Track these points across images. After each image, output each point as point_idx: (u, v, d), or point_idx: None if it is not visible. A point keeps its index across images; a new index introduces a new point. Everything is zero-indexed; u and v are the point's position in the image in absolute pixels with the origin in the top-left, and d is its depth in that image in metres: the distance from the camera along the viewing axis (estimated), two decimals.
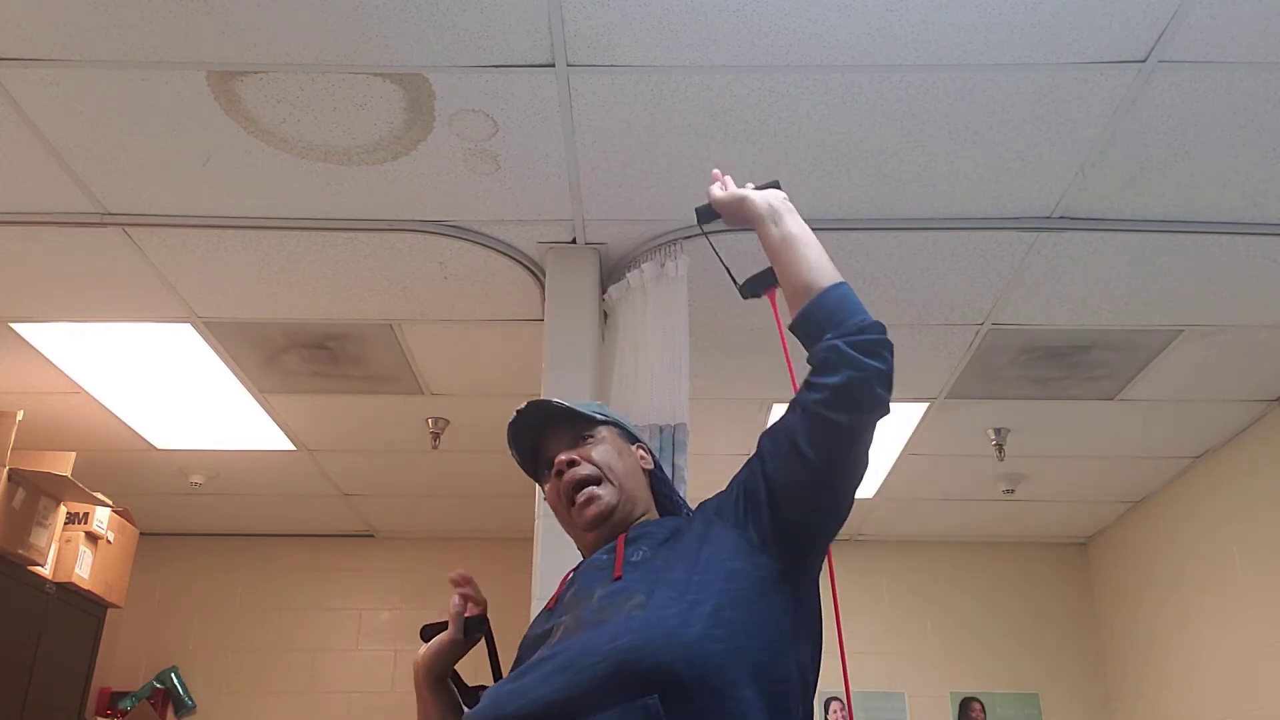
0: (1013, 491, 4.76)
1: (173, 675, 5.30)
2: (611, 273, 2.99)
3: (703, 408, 3.86)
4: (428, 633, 1.40)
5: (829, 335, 1.22)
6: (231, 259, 2.99)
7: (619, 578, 1.23)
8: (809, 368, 1.26)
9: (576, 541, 1.43)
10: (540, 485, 1.48)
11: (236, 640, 5.44)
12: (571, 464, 1.39)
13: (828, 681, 1.31)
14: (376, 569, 5.61)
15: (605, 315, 2.95)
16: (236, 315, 3.32)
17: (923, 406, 3.94)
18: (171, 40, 2.18)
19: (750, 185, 1.47)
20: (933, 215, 2.78)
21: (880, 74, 2.28)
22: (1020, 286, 3.09)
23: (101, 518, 4.26)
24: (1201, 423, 4.06)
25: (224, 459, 4.55)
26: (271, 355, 3.60)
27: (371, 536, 5.67)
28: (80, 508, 4.17)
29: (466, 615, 1.37)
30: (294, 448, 4.41)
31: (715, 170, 1.53)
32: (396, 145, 2.52)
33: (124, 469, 4.58)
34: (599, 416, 1.46)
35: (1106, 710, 5.30)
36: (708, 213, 1.51)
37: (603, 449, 1.42)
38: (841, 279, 1.30)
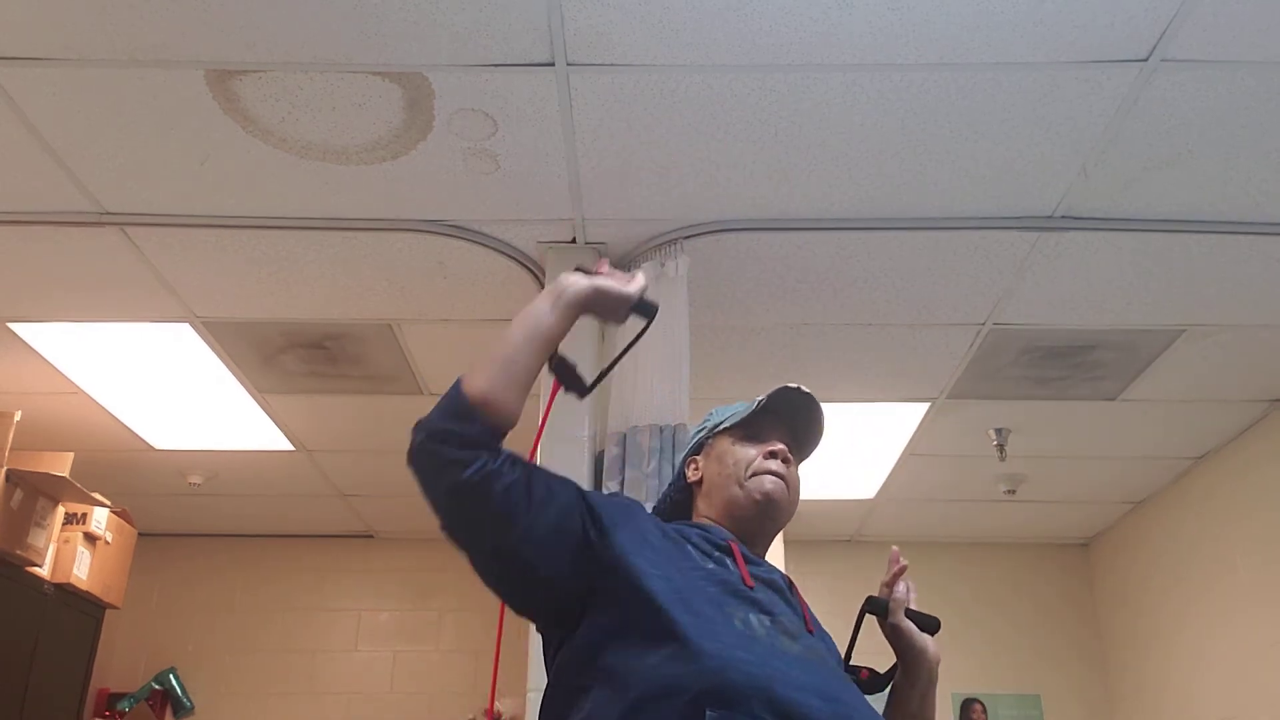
0: (1014, 492, 4.76)
1: (171, 676, 5.29)
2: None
3: (703, 408, 3.85)
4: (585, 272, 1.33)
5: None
6: (230, 258, 2.98)
7: (812, 633, 1.32)
8: None
9: (716, 504, 1.43)
10: (715, 434, 1.49)
11: (235, 641, 5.43)
12: (787, 461, 1.44)
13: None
14: (376, 570, 5.61)
15: None
16: (235, 315, 3.31)
17: (924, 407, 3.93)
18: (169, 39, 2.17)
19: (913, 594, 1.62)
20: (934, 215, 2.77)
21: (881, 73, 2.27)
22: (1022, 286, 3.08)
23: (100, 518, 4.25)
24: (1203, 423, 4.05)
25: (222, 459, 4.54)
26: (270, 355, 3.60)
27: (371, 537, 5.66)
28: (78, 508, 4.16)
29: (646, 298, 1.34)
30: (293, 448, 4.40)
31: (899, 556, 1.60)
32: (396, 144, 2.51)
33: (122, 469, 4.58)
34: (807, 451, 1.53)
35: (1108, 711, 5.29)
36: (877, 606, 1.56)
37: (797, 478, 1.47)
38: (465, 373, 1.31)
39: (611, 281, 1.35)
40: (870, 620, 1.46)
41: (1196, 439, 4.22)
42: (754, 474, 1.40)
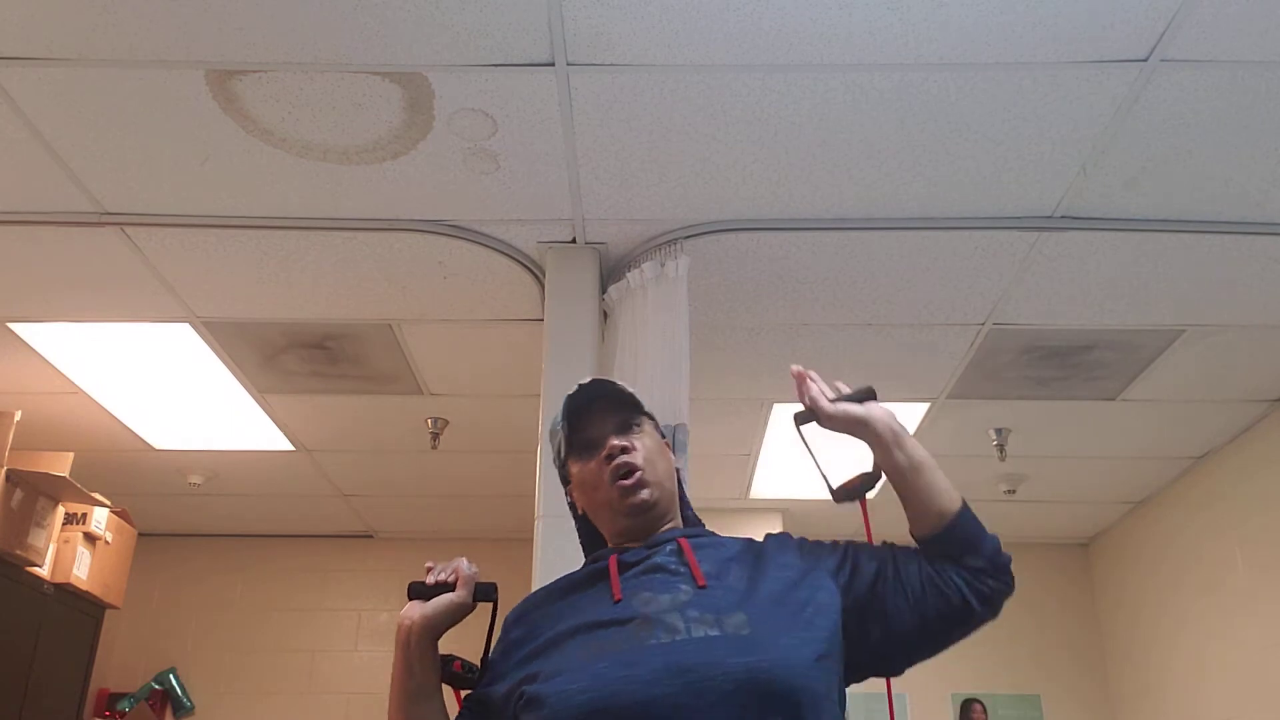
0: (1014, 492, 4.76)
1: (171, 676, 5.30)
2: (611, 273, 2.98)
3: (703, 408, 3.85)
4: (420, 591, 1.35)
5: (984, 554, 1.35)
6: (230, 258, 2.98)
7: (704, 587, 1.25)
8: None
9: (607, 527, 1.41)
10: (567, 466, 1.44)
11: (235, 641, 5.43)
12: (625, 449, 1.37)
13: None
14: (376, 569, 5.61)
15: (605, 315, 2.94)
16: (235, 315, 3.31)
17: (924, 406, 3.93)
18: (170, 39, 2.17)
19: (842, 386, 1.51)
20: (934, 215, 2.77)
21: (881, 73, 2.27)
22: (1021, 286, 3.08)
23: (100, 518, 4.25)
24: (1203, 423, 4.05)
25: (222, 459, 4.54)
26: (270, 355, 3.60)
27: (371, 537, 5.66)
28: (78, 508, 4.16)
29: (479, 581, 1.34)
30: (293, 448, 4.40)
31: (796, 368, 1.51)
32: (396, 144, 2.51)
33: (122, 469, 4.58)
34: (646, 410, 1.44)
35: (1108, 711, 5.29)
36: (805, 417, 1.50)
37: (649, 443, 1.40)
38: (961, 498, 1.40)
39: (430, 607, 1.39)
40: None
41: (1196, 439, 4.22)
42: (615, 490, 1.36)
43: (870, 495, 1.48)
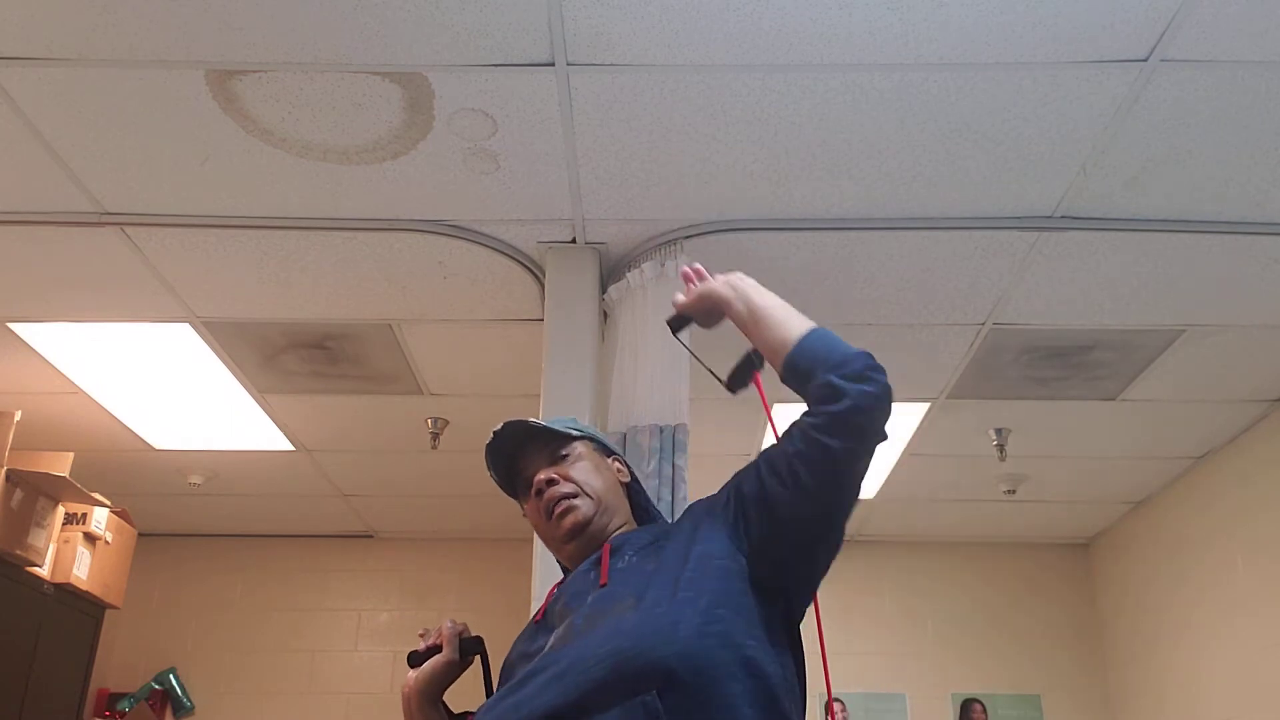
0: (1014, 492, 4.76)
1: (171, 676, 5.29)
2: (611, 272, 2.98)
3: (703, 408, 3.85)
4: (416, 659, 1.38)
5: (819, 374, 1.24)
6: (230, 258, 2.98)
7: (605, 584, 1.26)
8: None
9: (559, 557, 1.46)
10: (521, 505, 1.49)
11: (235, 641, 5.43)
12: (551, 482, 1.41)
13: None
14: (376, 569, 5.61)
15: (605, 315, 2.94)
16: (235, 315, 3.31)
17: (924, 406, 3.93)
18: (170, 39, 2.17)
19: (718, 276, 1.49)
20: (934, 215, 2.77)
21: (881, 73, 2.27)
22: (1021, 286, 3.08)
23: (100, 518, 4.25)
24: (1203, 423, 4.05)
25: (222, 459, 4.54)
26: (270, 355, 3.60)
27: (371, 537, 5.66)
28: (78, 508, 4.15)
29: (462, 635, 1.37)
30: (293, 448, 4.40)
31: (684, 268, 1.54)
32: (396, 145, 2.51)
33: (122, 469, 4.58)
34: (574, 433, 1.48)
35: (1108, 711, 5.29)
36: (678, 321, 1.53)
37: (580, 466, 1.44)
38: (815, 325, 1.32)
39: (422, 671, 1.40)
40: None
41: (1196, 439, 4.22)
42: (551, 525, 1.41)
43: (761, 372, 1.46)
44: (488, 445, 1.46)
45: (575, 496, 1.40)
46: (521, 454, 1.47)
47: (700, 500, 1.39)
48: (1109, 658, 5.35)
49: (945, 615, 5.46)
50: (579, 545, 1.40)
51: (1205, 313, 3.20)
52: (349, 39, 2.18)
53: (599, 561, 1.33)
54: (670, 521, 1.49)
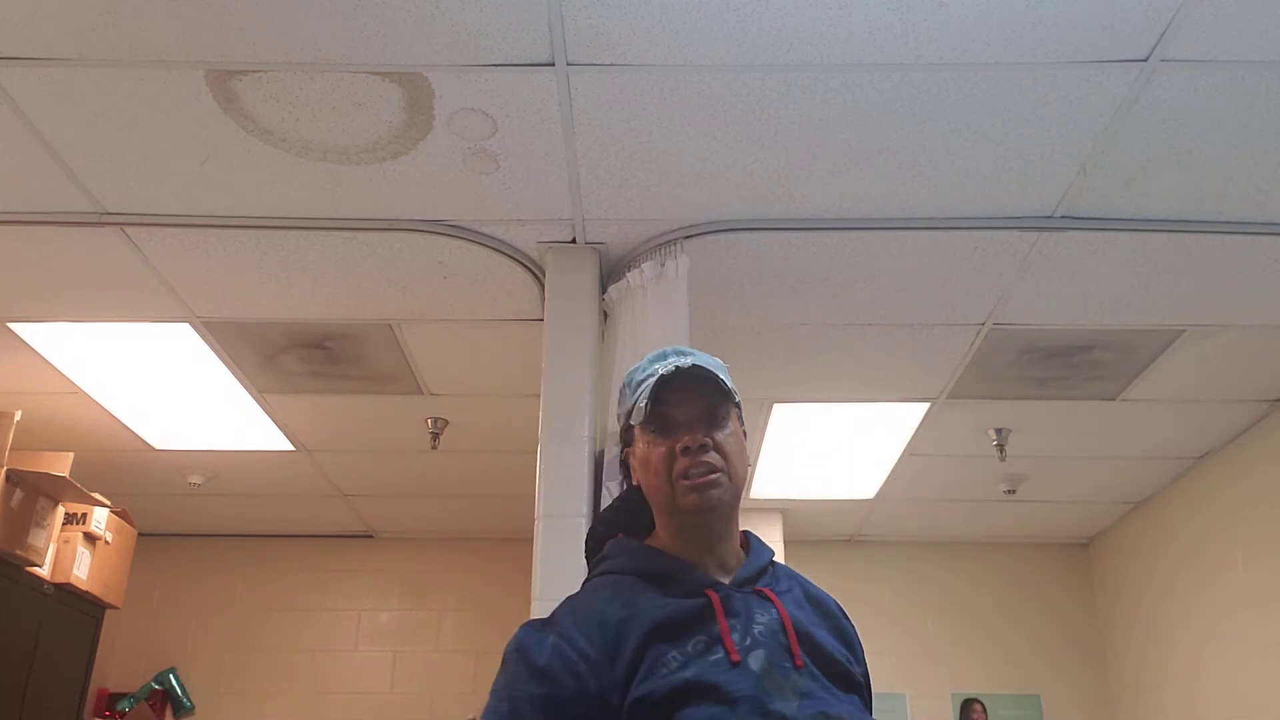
0: (1014, 492, 4.76)
1: (171, 676, 5.29)
2: (611, 272, 2.98)
3: None
4: None
5: None
6: (230, 258, 2.98)
7: (801, 666, 1.19)
8: None
9: (661, 516, 1.31)
10: (630, 426, 1.34)
11: (235, 641, 5.43)
12: (704, 448, 1.27)
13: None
14: (376, 569, 5.61)
15: (605, 315, 2.94)
16: (235, 315, 3.31)
17: (924, 406, 3.93)
18: (170, 39, 2.17)
19: None
20: (934, 215, 2.77)
21: (881, 73, 2.27)
22: (1021, 286, 3.08)
23: (100, 518, 4.25)
24: (1203, 423, 4.05)
25: (222, 459, 4.54)
26: (270, 355, 3.60)
27: (371, 537, 5.66)
28: (78, 508, 4.15)
29: None
30: (293, 448, 4.40)
31: None
32: (396, 145, 2.51)
33: (122, 469, 4.58)
34: (736, 398, 1.34)
35: (1108, 711, 5.29)
36: None
37: (732, 441, 1.30)
38: None
39: None
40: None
41: (1196, 439, 4.22)
42: (679, 482, 1.27)
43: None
44: (664, 376, 1.28)
45: (718, 472, 1.27)
46: (677, 389, 1.29)
47: (844, 616, 1.36)
48: (1109, 658, 5.35)
49: (945, 615, 5.46)
50: (697, 520, 1.28)
51: (1205, 313, 3.20)
52: (349, 39, 2.18)
53: (773, 610, 1.24)
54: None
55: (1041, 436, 4.18)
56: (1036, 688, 5.33)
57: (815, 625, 1.27)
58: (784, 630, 1.22)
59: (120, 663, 5.31)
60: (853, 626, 1.35)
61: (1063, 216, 2.78)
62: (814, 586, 1.37)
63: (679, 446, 1.27)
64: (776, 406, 3.94)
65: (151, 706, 5.17)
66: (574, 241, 2.91)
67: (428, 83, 2.30)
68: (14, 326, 3.36)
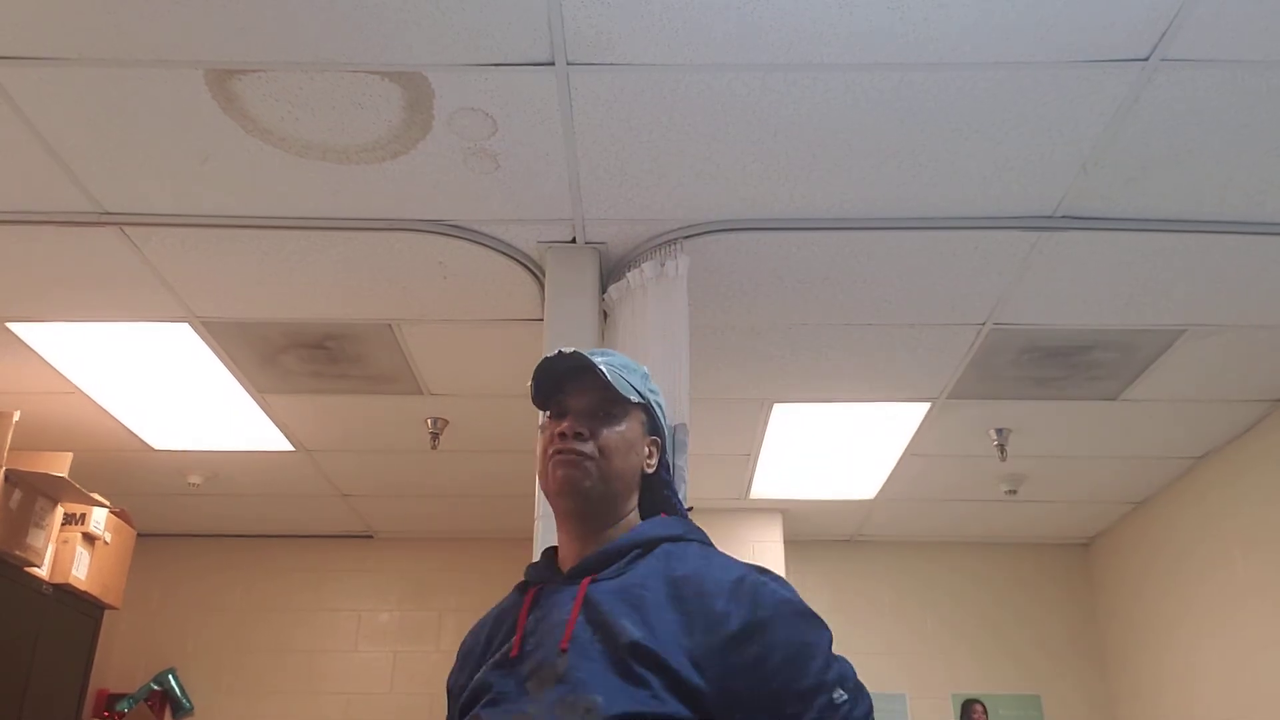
0: (1014, 492, 4.76)
1: (170, 677, 5.29)
2: (611, 272, 2.98)
3: (703, 408, 3.85)
4: None
5: None
6: (230, 258, 2.98)
7: (565, 649, 1.21)
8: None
9: (550, 503, 1.38)
10: (540, 420, 1.41)
11: (235, 641, 5.43)
12: (579, 436, 1.33)
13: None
14: (375, 570, 5.61)
15: (605, 315, 2.94)
16: (235, 315, 3.31)
17: (924, 406, 3.93)
18: (169, 39, 2.17)
19: None
20: (934, 215, 2.77)
21: (881, 72, 2.27)
22: (1022, 286, 3.08)
23: (99, 518, 4.24)
24: (1204, 423, 4.05)
25: (222, 459, 4.54)
26: (270, 355, 3.59)
27: (370, 537, 5.66)
28: (77, 508, 4.15)
29: None
30: (292, 448, 4.39)
31: None
32: (395, 144, 2.51)
33: (121, 469, 4.57)
34: (633, 399, 1.37)
35: (1109, 712, 5.29)
36: None
37: (617, 436, 1.35)
38: None
39: None
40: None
41: (1197, 439, 4.22)
42: (550, 463, 1.34)
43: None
44: (547, 357, 1.36)
45: (590, 460, 1.32)
46: (575, 378, 1.37)
47: (692, 592, 1.24)
48: (1109, 658, 5.35)
49: (945, 615, 5.45)
50: (563, 504, 1.34)
51: (1205, 313, 3.20)
52: (349, 39, 2.17)
53: (574, 597, 1.27)
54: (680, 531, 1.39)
55: (1042, 436, 4.18)
56: (1037, 688, 5.33)
57: (619, 613, 1.23)
58: (565, 622, 1.25)
59: (119, 663, 5.31)
60: (734, 604, 1.23)
61: (1063, 216, 2.77)
62: (692, 565, 1.29)
63: (557, 430, 1.34)
64: (776, 406, 3.94)
65: (151, 707, 5.16)
66: (574, 241, 2.90)
67: (427, 82, 2.30)
68: (13, 326, 3.36)
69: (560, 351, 1.36)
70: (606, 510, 1.35)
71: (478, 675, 1.30)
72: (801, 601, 1.27)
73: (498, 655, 1.30)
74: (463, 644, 1.43)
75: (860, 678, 1.27)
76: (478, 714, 1.25)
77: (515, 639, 1.29)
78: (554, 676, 1.20)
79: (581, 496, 1.33)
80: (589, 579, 1.29)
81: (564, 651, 1.21)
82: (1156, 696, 4.85)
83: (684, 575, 1.27)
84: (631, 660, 1.17)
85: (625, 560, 1.30)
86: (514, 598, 1.40)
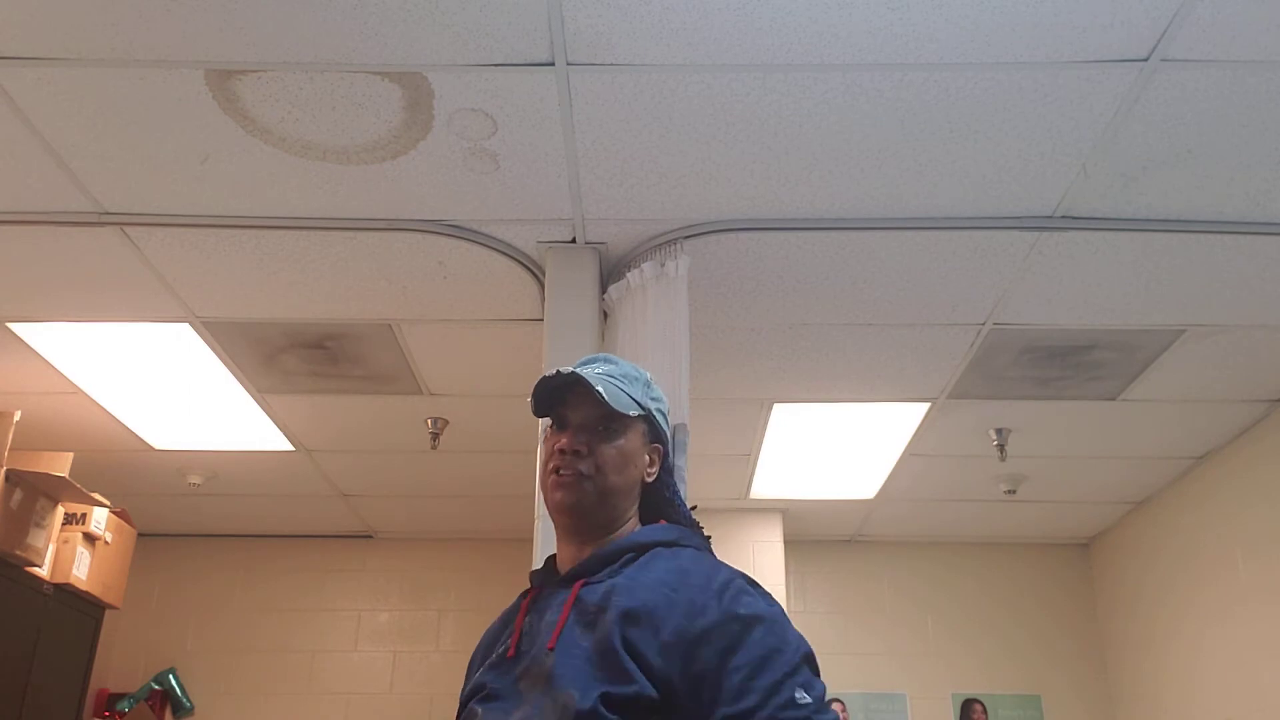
0: (1014, 492, 4.76)
1: (171, 676, 5.29)
2: (611, 272, 2.98)
3: (703, 408, 3.85)
4: None
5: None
6: (230, 258, 2.98)
7: (552, 648, 1.25)
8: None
9: (549, 515, 1.43)
10: (541, 431, 1.47)
11: (235, 641, 5.43)
12: (577, 453, 1.36)
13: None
14: (375, 570, 5.61)
15: (605, 315, 2.94)
16: (235, 315, 3.31)
17: (924, 406, 3.93)
18: (169, 39, 2.17)
19: None
20: (934, 215, 2.77)
21: (881, 73, 2.27)
22: (1022, 286, 3.08)
23: (99, 518, 4.25)
24: (1204, 423, 4.05)
25: (222, 459, 4.54)
26: (270, 355, 3.59)
27: (370, 537, 5.66)
28: (78, 508, 4.15)
29: None
30: (292, 448, 4.40)
31: None
32: (395, 144, 2.51)
33: (122, 469, 4.58)
34: (633, 414, 1.39)
35: (1109, 712, 5.29)
36: None
37: (614, 452, 1.38)
38: None
39: None
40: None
41: (1197, 439, 4.22)
42: (548, 478, 1.39)
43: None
44: (545, 376, 1.38)
45: (587, 480, 1.35)
46: (574, 393, 1.39)
47: (636, 602, 1.25)
48: (1109, 658, 5.35)
49: (945, 615, 5.45)
50: (560, 519, 1.39)
51: (1205, 313, 3.20)
52: (349, 39, 2.17)
53: (558, 605, 1.32)
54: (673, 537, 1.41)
55: (1042, 436, 4.18)
56: (1037, 688, 5.33)
57: (606, 612, 1.25)
58: (556, 623, 1.29)
59: (120, 663, 5.31)
60: (715, 601, 1.24)
61: (1063, 216, 2.77)
62: (680, 565, 1.31)
63: (556, 446, 1.38)
64: (776, 406, 3.94)
65: (151, 707, 5.16)
66: (574, 241, 2.90)
67: (427, 82, 2.30)
68: (13, 326, 3.36)
69: (558, 371, 1.38)
70: (604, 522, 1.39)
71: (476, 676, 1.37)
72: (784, 617, 1.28)
73: (494, 656, 1.35)
74: (472, 656, 1.49)
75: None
76: (473, 708, 1.31)
77: (512, 640, 1.34)
78: (543, 676, 1.24)
79: (578, 514, 1.38)
80: (581, 582, 1.33)
81: (551, 650, 1.26)
82: (1156, 696, 4.85)
83: (671, 574, 1.30)
84: (610, 654, 1.21)
85: (618, 564, 1.34)
86: (516, 602, 1.44)
